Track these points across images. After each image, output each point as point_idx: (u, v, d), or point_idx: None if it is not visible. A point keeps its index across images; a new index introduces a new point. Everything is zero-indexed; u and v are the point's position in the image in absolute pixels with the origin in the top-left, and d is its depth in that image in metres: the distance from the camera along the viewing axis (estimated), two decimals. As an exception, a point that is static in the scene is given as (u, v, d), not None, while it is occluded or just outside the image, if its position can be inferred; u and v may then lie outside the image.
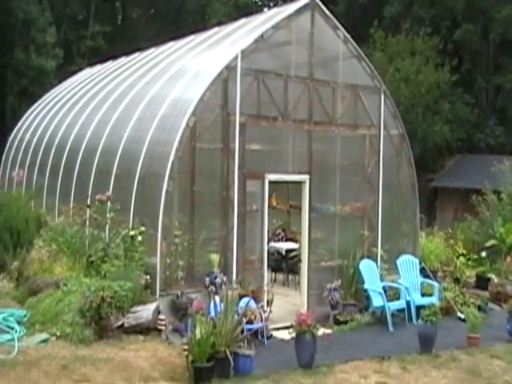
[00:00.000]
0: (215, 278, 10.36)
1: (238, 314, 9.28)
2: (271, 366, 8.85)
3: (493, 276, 15.13)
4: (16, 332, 8.95)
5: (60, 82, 26.12)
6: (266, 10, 52.39)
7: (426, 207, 28.04)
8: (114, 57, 21.75)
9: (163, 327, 9.52)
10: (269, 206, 17.07)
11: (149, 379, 7.66)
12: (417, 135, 27.70)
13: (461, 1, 31.42)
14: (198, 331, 7.89)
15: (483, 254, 16.79)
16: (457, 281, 14.53)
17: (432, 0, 33.71)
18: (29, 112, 22.17)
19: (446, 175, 28.34)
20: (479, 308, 12.86)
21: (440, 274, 14.49)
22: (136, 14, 55.59)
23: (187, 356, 7.88)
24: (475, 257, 15.77)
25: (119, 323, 9.32)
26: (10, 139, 21.56)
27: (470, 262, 15.37)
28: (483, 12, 31.43)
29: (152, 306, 9.70)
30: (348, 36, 12.86)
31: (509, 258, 15.06)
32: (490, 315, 12.81)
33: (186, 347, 7.92)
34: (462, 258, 15.22)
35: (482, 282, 15.19)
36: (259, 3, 55.27)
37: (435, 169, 29.36)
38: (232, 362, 8.08)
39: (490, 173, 20.00)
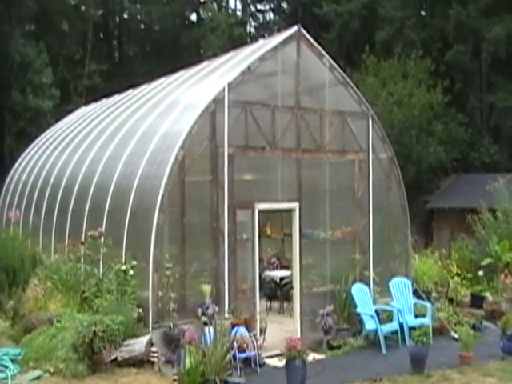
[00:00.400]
0: (207, 308, 10.47)
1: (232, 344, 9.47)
2: (263, 393, 8.96)
3: (487, 294, 15.23)
4: (10, 370, 9.11)
5: (57, 121, 26.53)
6: (260, 40, 53.36)
7: (423, 228, 28.18)
8: (111, 94, 22.14)
9: (156, 359, 9.63)
10: (263, 234, 17.38)
11: (140, 411, 7.78)
12: (411, 157, 27.95)
13: (451, 22, 31.82)
14: (187, 361, 8.01)
15: (480, 272, 16.89)
16: (452, 301, 14.64)
17: (422, 23, 34.26)
18: (25, 153, 22.54)
19: (442, 196, 28.45)
20: (473, 327, 12.89)
21: (434, 294, 14.56)
22: (133, 50, 56.46)
23: (177, 386, 8.00)
24: (470, 276, 15.81)
25: (112, 357, 9.44)
26: (8, 180, 21.88)
27: (464, 282, 15.43)
28: (474, 32, 31.77)
29: (145, 339, 9.82)
30: (334, 63, 13.12)
31: (502, 276, 15.10)
32: (484, 333, 12.90)
33: (176, 377, 8.02)
34: (456, 278, 15.31)
35: (477, 301, 15.29)
36: (254, 34, 56.14)
37: (431, 190, 29.47)
38: (222, 391, 8.19)
39: (485, 191, 20.15)
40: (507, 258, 16.21)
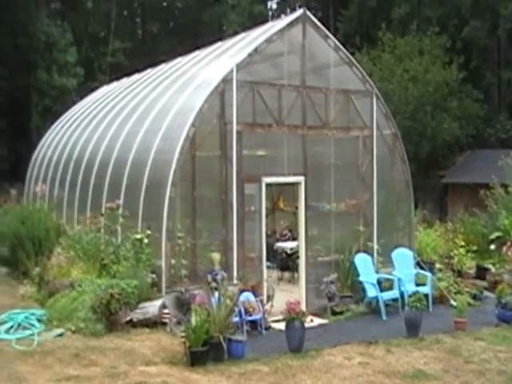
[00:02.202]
0: (216, 275, 11.22)
1: (239, 308, 10.27)
2: (264, 351, 9.73)
3: (490, 266, 15.81)
4: (36, 328, 10.04)
5: (82, 98, 27.37)
6: (283, 16, 53.45)
7: (438, 203, 28.66)
8: (134, 71, 22.85)
9: (168, 320, 10.47)
10: (276, 208, 18.17)
11: (150, 363, 8.63)
12: (426, 133, 28.35)
13: (468, -2, 31.99)
14: (193, 319, 8.82)
15: (492, 246, 17.45)
16: (458, 272, 15.22)
17: (440, -1, 34.37)
18: (50, 130, 23.46)
19: (456, 171, 28.82)
20: (474, 296, 13.57)
21: (439, 265, 15.14)
22: (156, 27, 56.92)
23: (185, 342, 8.81)
24: (475, 248, 16.34)
25: (128, 318, 10.29)
26: (34, 156, 22.84)
27: (469, 254, 15.98)
28: (490, 8, 31.88)
29: (158, 302, 10.66)
30: (338, 44, 13.66)
31: (505, 248, 15.64)
32: (484, 303, 13.54)
33: (183, 334, 8.85)
34: (461, 250, 15.86)
35: (481, 273, 15.86)
36: (274, 12, 56.22)
37: (446, 166, 29.83)
38: (225, 347, 8.99)
39: (498, 167, 20.59)
40: (515, 232, 16.76)
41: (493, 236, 17.64)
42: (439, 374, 8.74)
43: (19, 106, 37.37)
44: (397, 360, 9.38)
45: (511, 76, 31.60)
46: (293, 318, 9.69)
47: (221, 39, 17.92)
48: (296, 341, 9.69)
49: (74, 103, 28.00)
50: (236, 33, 29.41)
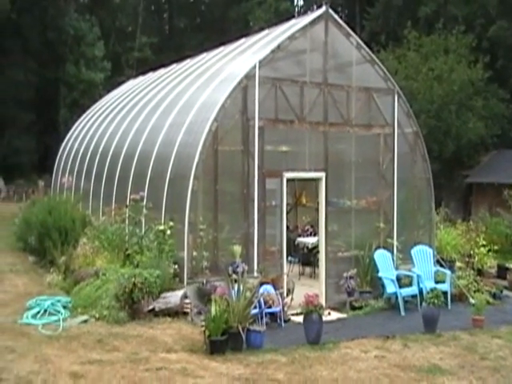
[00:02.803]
0: (237, 267, 11.41)
1: (259, 300, 10.49)
2: (283, 342, 9.93)
3: (511, 265, 15.83)
4: (61, 314, 10.37)
5: (109, 92, 27.81)
6: (308, 12, 53.55)
7: (462, 203, 28.60)
8: (160, 66, 23.19)
9: (189, 310, 10.71)
10: (299, 203, 18.32)
11: (171, 350, 8.87)
12: (451, 133, 28.27)
13: (494, -3, 31.82)
14: (213, 309, 9.06)
15: (517, 246, 17.47)
16: (479, 271, 15.26)
17: (466, -2, 34.21)
18: (77, 123, 23.90)
19: (481, 171, 28.72)
20: (494, 295, 13.62)
21: (459, 264, 15.21)
22: (182, 23, 57.32)
23: (204, 331, 9.04)
24: (496, 248, 16.37)
25: (150, 307, 10.56)
26: (61, 149, 23.30)
27: (490, 253, 16.00)
28: (517, 8, 31.71)
29: (180, 293, 10.91)
30: (361, 42, 13.79)
31: (525, 248, 15.67)
32: (504, 302, 13.60)
33: (203, 323, 9.08)
34: (482, 249, 15.90)
35: (502, 272, 15.90)
36: (301, 9, 56.28)
37: (471, 165, 29.74)
38: (244, 337, 9.22)
39: (522, 167, 20.59)
40: (538, 232, 16.78)
41: (514, 236, 17.65)
42: (454, 369, 8.84)
43: (48, 99, 38.08)
44: (413, 355, 9.50)
45: (538, 76, 31.37)
46: (311, 310, 9.87)
47: (247, 36, 18.12)
48: (314, 333, 9.87)
49: (101, 97, 28.47)
50: (262, 29, 29.65)
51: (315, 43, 13.14)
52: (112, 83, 35.06)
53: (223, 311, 9.09)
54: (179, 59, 22.00)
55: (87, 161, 18.92)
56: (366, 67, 13.85)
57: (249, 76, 12.20)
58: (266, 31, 15.38)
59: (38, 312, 10.47)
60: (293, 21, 14.65)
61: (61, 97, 37.79)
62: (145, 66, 40.10)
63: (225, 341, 9.04)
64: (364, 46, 13.81)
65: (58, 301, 10.97)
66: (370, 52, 14.12)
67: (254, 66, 12.26)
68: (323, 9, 13.15)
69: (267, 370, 8.41)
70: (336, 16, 13.47)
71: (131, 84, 23.91)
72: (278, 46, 12.65)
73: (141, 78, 23.56)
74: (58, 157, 23.37)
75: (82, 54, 36.58)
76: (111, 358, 8.33)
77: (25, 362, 8.00)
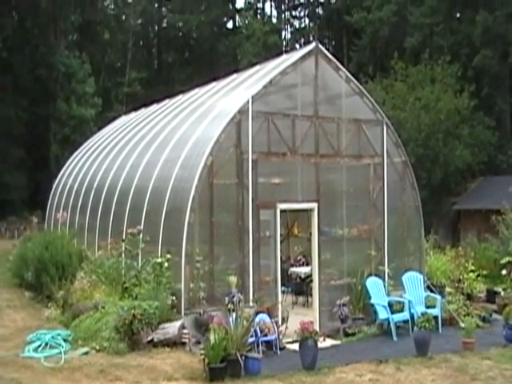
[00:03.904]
0: (233, 297, 11.67)
1: (255, 329, 10.75)
2: (279, 369, 10.18)
3: (500, 289, 16.15)
4: (62, 347, 10.61)
5: (100, 128, 28.22)
6: (297, 46, 54.54)
7: (451, 229, 29.02)
8: (150, 101, 23.64)
9: (187, 340, 10.95)
10: (291, 234, 18.64)
11: (171, 379, 9.14)
12: (438, 160, 28.83)
13: (478, 28, 32.62)
14: (212, 337, 9.33)
15: (503, 271, 17.76)
16: (468, 296, 15.56)
17: (451, 29, 35.07)
18: (71, 159, 24.25)
19: (468, 198, 29.24)
20: (484, 319, 13.92)
21: (449, 289, 15.49)
22: (171, 58, 58.05)
23: (204, 359, 9.31)
24: (485, 273, 16.70)
25: (149, 338, 10.81)
26: (55, 185, 23.61)
27: (479, 278, 16.33)
28: (501, 37, 32.53)
29: (178, 323, 11.16)
30: (350, 76, 14.26)
31: (512, 272, 16.02)
32: (493, 325, 13.83)
33: (202, 351, 9.34)
34: (471, 274, 16.22)
35: (491, 296, 16.19)
36: (289, 40, 57.30)
37: (458, 192, 30.29)
38: (242, 364, 9.49)
39: (509, 193, 21.00)
40: (526, 257, 17.10)
41: (504, 261, 17.93)
42: (446, 390, 9.14)
43: (38, 135, 38.45)
44: (406, 377, 9.78)
45: (523, 103, 32.14)
46: (306, 337, 10.16)
47: (236, 69, 18.62)
48: (309, 359, 10.15)
49: (93, 132, 28.87)
50: (251, 62, 30.23)
51: (306, 77, 13.60)
52: (102, 119, 35.50)
53: (222, 339, 9.37)
54: (171, 95, 22.49)
55: (82, 196, 19.21)
56: (355, 99, 14.30)
57: (242, 111, 12.59)
58: (257, 67, 15.86)
59: (40, 345, 10.72)
60: (284, 56, 15.14)
61: (51, 133, 38.14)
62: (134, 101, 40.66)
63: (224, 368, 9.31)
64: (353, 79, 14.29)
65: (58, 334, 11.21)
66: (359, 84, 14.61)
67: (247, 101, 12.67)
68: (313, 44, 13.66)
69: (266, 395, 8.68)
70: (325, 51, 13.96)
71: (124, 120, 24.34)
72: (270, 81, 13.09)
73: (133, 114, 24.01)
74: (51, 193, 23.64)
75: (73, 90, 37.03)
76: (114, 387, 8.59)
77: (31, 393, 8.24)
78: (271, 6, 59.53)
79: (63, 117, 36.21)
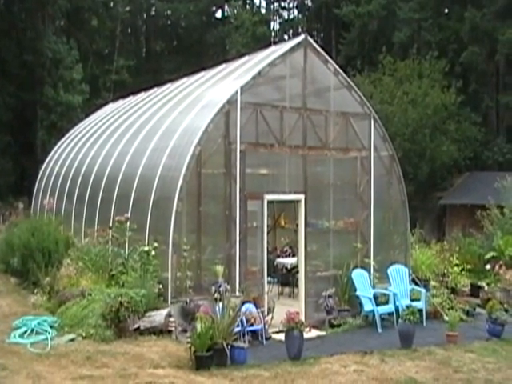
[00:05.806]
0: (220, 286, 11.75)
1: (241, 318, 10.82)
2: (265, 358, 10.28)
3: (483, 284, 16.34)
4: (49, 333, 10.62)
5: (87, 115, 28.03)
6: (285, 37, 54.47)
7: (436, 224, 29.26)
8: (138, 89, 23.53)
9: (173, 329, 11.00)
10: (278, 225, 18.73)
11: (158, 367, 9.18)
12: (425, 155, 29.02)
13: (466, 24, 32.80)
14: (198, 326, 9.38)
15: (487, 266, 17.94)
16: (453, 290, 15.73)
17: (439, 25, 35.22)
18: (57, 146, 24.10)
19: (454, 193, 29.47)
20: (467, 313, 14.09)
21: (434, 283, 15.65)
22: (159, 47, 57.66)
23: (190, 347, 9.38)
24: (470, 267, 16.87)
25: (136, 326, 10.84)
26: (41, 171, 23.47)
27: (464, 272, 16.50)
28: (488, 34, 32.72)
29: (164, 311, 11.20)
30: (338, 69, 14.31)
31: (497, 267, 16.18)
32: (477, 319, 13.98)
33: (189, 340, 9.40)
34: (456, 269, 16.39)
35: (475, 291, 16.39)
36: (278, 32, 57.21)
37: (444, 187, 30.52)
38: (228, 353, 9.56)
39: (494, 189, 21.17)
40: (510, 252, 17.25)
41: (488, 256, 18.12)
42: (430, 381, 9.27)
43: (25, 121, 38.05)
44: (390, 368, 9.90)
45: (509, 100, 32.35)
46: (292, 327, 10.25)
47: (225, 60, 18.58)
48: (295, 349, 10.24)
49: (80, 119, 28.69)
50: (239, 53, 30.17)
51: (294, 69, 13.63)
52: (90, 106, 35.25)
53: (208, 328, 9.43)
54: (158, 83, 22.40)
55: (69, 183, 19.12)
56: (344, 92, 14.37)
57: (231, 101, 12.61)
58: (246, 57, 15.85)
59: (26, 331, 10.73)
60: (272, 47, 15.16)
61: (38, 119, 37.79)
62: (122, 89, 40.41)
63: (210, 357, 9.38)
64: (341, 72, 14.34)
65: (45, 320, 11.21)
66: (347, 78, 14.67)
67: (236, 92, 12.69)
68: (302, 36, 13.69)
69: (251, 384, 8.75)
70: (314, 43, 14.00)
71: (111, 107, 24.22)
72: (259, 73, 13.11)
73: (121, 102, 23.90)
74: (38, 179, 23.49)
75: (61, 76, 36.63)
76: (101, 373, 8.62)
77: (18, 379, 8.27)
78: (260, -4, 59.46)
79: (50, 103, 35.82)
